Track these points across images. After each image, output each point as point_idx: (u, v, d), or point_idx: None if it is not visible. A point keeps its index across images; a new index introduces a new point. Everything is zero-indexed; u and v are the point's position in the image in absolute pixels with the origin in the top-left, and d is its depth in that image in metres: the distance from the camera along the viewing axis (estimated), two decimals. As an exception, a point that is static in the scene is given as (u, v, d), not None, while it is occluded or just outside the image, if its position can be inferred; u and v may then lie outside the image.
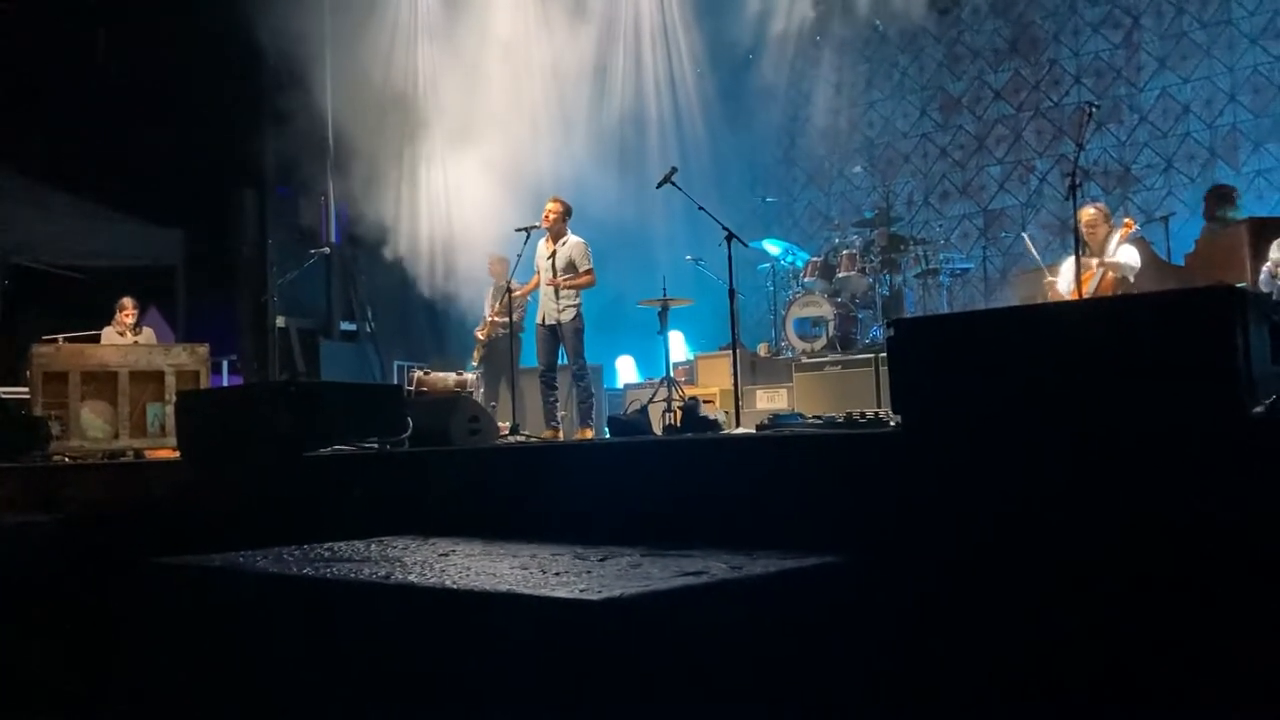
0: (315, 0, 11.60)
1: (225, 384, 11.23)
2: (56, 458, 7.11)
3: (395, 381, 11.12)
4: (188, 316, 12.60)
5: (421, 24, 12.31)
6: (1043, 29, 11.37)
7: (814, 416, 5.76)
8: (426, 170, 12.15)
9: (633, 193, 10.86)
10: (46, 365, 7.85)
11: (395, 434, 4.68)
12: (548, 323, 8.20)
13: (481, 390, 9.21)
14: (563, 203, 8.32)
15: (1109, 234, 7.16)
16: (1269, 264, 6.73)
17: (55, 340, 9.31)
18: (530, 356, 8.97)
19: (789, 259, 10.30)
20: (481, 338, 9.37)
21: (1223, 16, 10.29)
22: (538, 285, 8.42)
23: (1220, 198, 8.58)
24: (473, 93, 11.78)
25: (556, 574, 2.46)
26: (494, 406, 8.82)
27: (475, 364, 9.48)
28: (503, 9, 11.88)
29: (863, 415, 4.99)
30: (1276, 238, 6.84)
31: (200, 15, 10.63)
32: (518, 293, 8.65)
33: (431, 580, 2.45)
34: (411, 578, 2.50)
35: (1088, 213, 7.20)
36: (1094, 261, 7.05)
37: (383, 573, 2.59)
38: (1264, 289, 6.69)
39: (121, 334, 9.12)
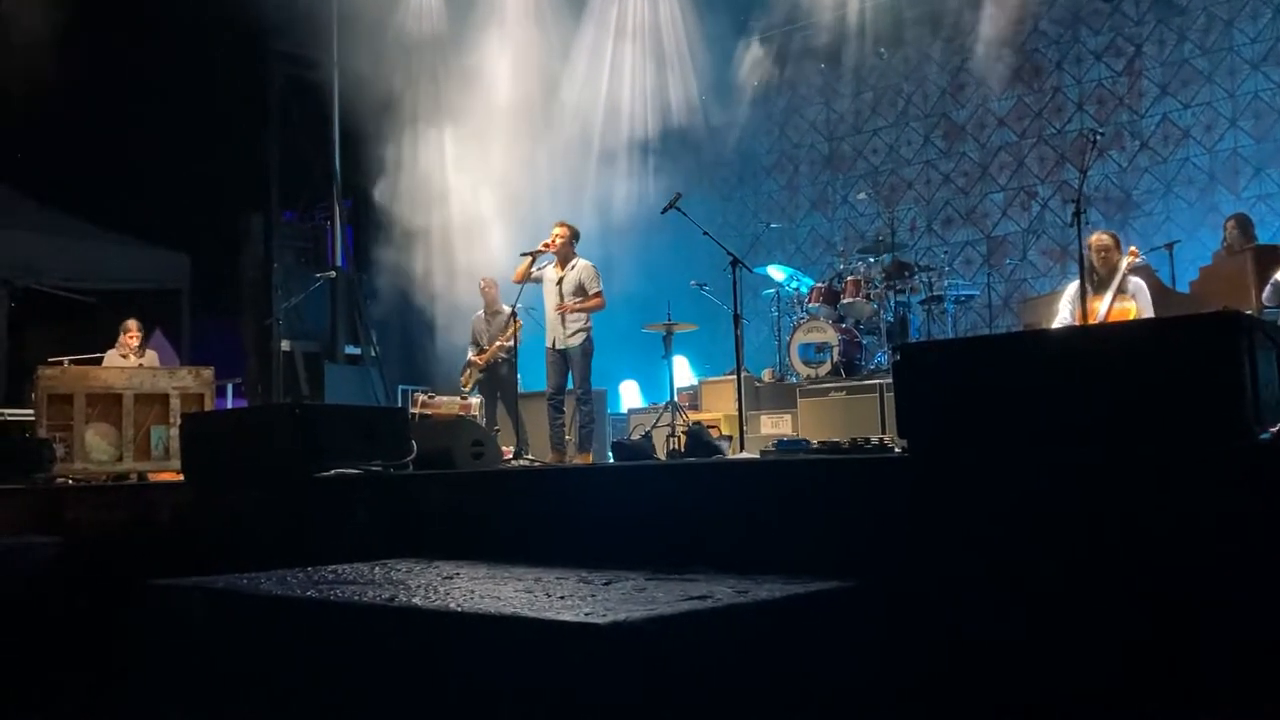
0: (325, 25, 11.70)
1: (230, 407, 11.23)
2: (60, 480, 7.09)
3: (399, 406, 11.12)
4: (193, 339, 12.63)
5: (430, 51, 12.39)
6: (1046, 57, 11.44)
7: (819, 442, 5.75)
8: (434, 195, 12.20)
9: (640, 217, 10.91)
10: (52, 387, 7.82)
11: (399, 457, 4.67)
12: (557, 347, 8.16)
13: (482, 416, 9.18)
14: (570, 227, 8.29)
15: (1119, 260, 7.05)
16: (1276, 279, 6.70)
17: (61, 362, 9.30)
18: (528, 381, 8.93)
19: (793, 285, 10.32)
20: (480, 362, 9.24)
21: (1224, 43, 10.35)
22: (523, 276, 8.11)
23: (1249, 224, 8.56)
24: (481, 120, 11.85)
25: (561, 597, 2.45)
26: (497, 431, 8.78)
27: (466, 387, 9.41)
28: (512, 37, 11.97)
29: (867, 441, 4.97)
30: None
31: (209, 39, 10.71)
32: (514, 276, 8.32)
33: (436, 603, 2.44)
34: (416, 600, 2.49)
35: (1100, 239, 6.98)
36: (1108, 294, 6.83)
37: (387, 595, 2.58)
38: (1268, 304, 6.66)
39: (125, 357, 9.09)
